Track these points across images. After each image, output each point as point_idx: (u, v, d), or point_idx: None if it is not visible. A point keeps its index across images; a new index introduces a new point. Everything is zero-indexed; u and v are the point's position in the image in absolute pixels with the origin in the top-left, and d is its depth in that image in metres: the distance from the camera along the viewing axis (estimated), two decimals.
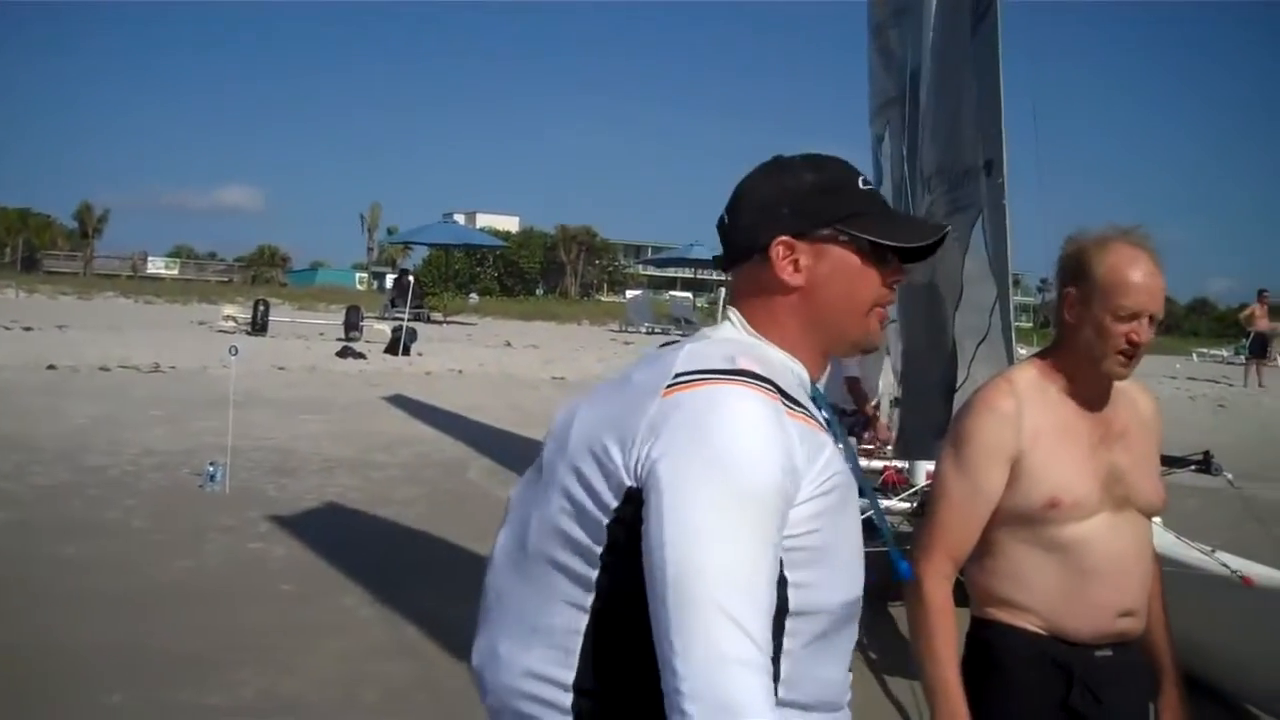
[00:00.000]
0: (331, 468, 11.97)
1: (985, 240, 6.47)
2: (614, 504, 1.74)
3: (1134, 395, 3.08)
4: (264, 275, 77.79)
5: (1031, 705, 2.90)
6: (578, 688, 1.77)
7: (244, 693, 5.83)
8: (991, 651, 2.95)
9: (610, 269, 78.49)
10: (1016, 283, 8.55)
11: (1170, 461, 5.97)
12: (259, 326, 28.16)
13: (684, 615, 1.62)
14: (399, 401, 17.19)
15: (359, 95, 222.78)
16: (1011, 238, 6.44)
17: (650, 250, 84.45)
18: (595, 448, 1.78)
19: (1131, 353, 2.88)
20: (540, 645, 1.80)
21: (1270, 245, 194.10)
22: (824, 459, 1.80)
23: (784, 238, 1.94)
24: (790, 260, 1.94)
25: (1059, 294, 2.98)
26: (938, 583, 2.83)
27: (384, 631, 6.91)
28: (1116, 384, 2.99)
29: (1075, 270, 2.91)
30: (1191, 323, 64.61)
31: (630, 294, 50.56)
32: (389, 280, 48.65)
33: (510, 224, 77.82)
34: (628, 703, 1.74)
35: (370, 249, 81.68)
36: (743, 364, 1.81)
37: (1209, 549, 6.59)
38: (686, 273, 69.00)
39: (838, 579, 1.85)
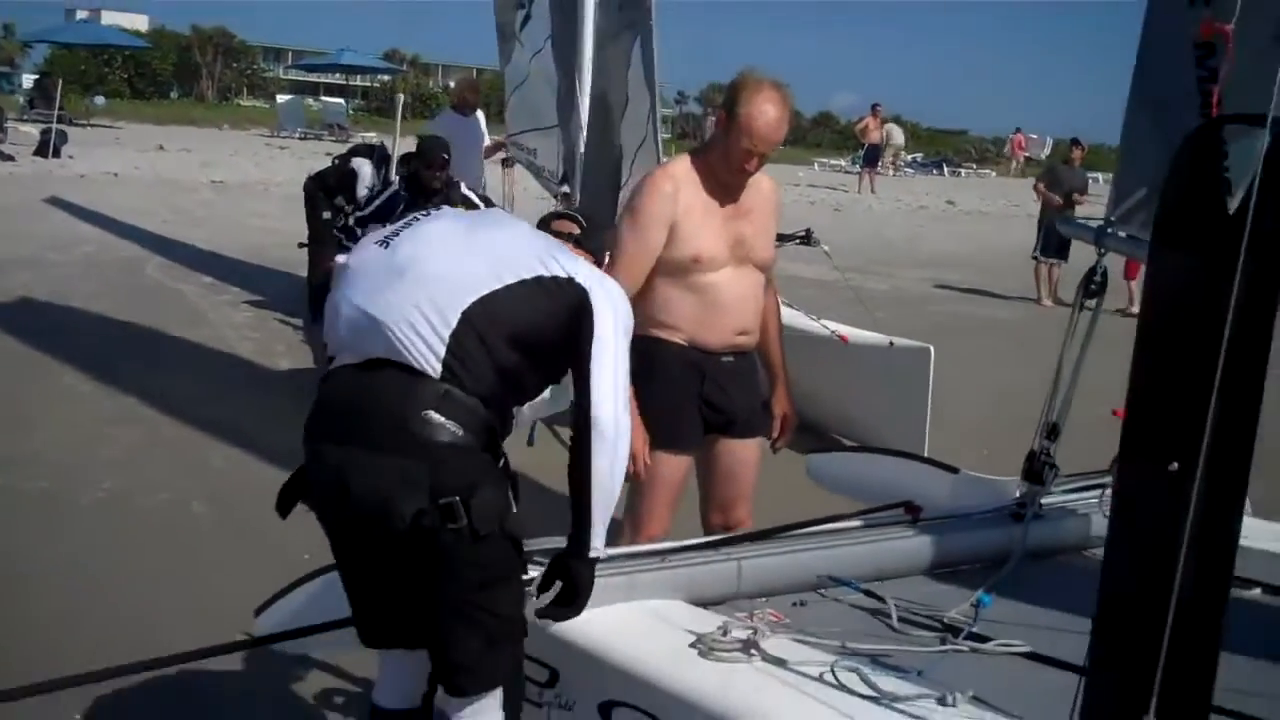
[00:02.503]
0: (6, 267, 12.11)
1: (640, 57, 7.54)
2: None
3: (759, 181, 4.28)
4: None
5: (677, 393, 4.10)
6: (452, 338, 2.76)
7: None
8: (651, 357, 4.11)
9: (249, 73, 75.61)
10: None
11: (782, 238, 7.30)
12: None
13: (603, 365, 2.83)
14: (58, 204, 17.07)
15: None
16: (659, 56, 7.55)
17: (291, 55, 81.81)
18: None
19: (745, 174, 4.09)
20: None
21: (884, 62, 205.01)
22: None
23: None
24: None
25: (719, 111, 4.09)
26: None
27: (108, 402, 7.65)
28: None
29: (729, 102, 4.03)
30: (816, 135, 68.24)
31: (281, 99, 49.28)
32: (27, 81, 45.51)
33: (139, 22, 73.63)
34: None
35: None
36: None
37: (817, 318, 8.09)
38: (330, 78, 67.50)
39: None
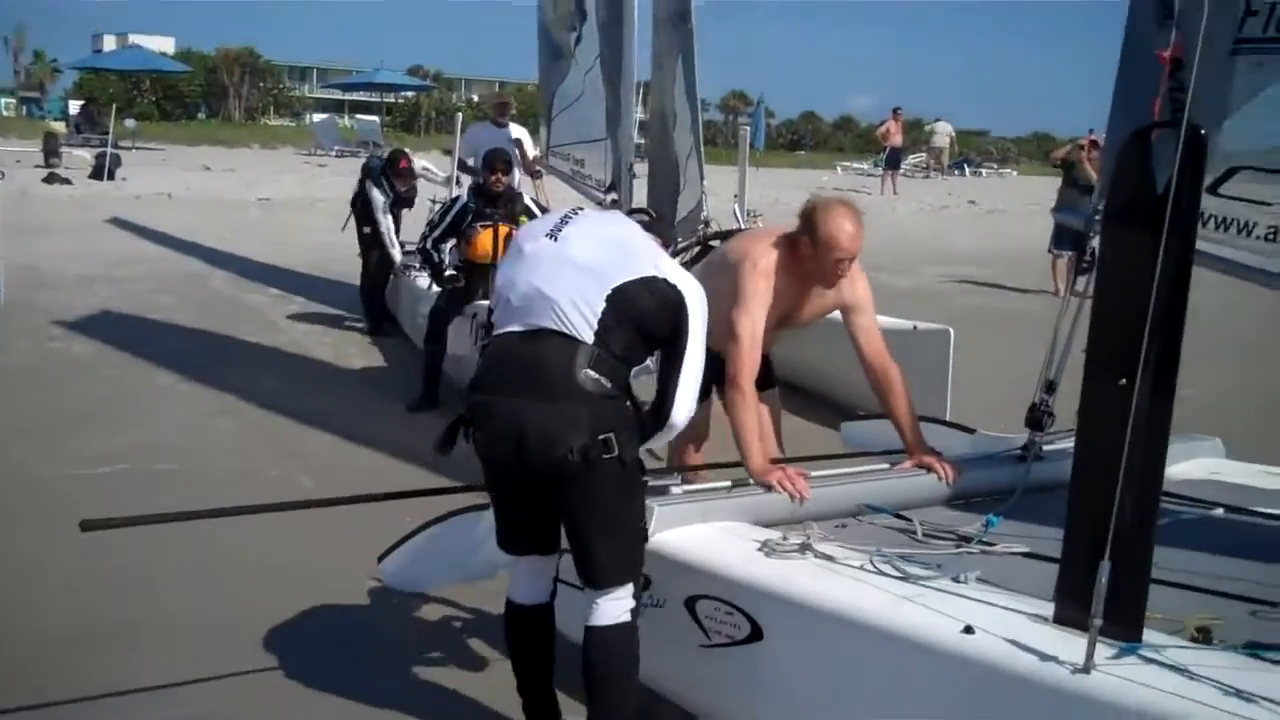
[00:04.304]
0: (86, 282, 12.99)
1: (683, 74, 8.36)
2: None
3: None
4: None
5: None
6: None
7: (122, 439, 7.37)
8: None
9: (275, 92, 76.78)
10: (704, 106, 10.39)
11: None
12: None
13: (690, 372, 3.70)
14: (119, 224, 17.95)
15: None
16: (700, 73, 8.34)
17: (316, 73, 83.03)
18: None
19: (841, 276, 4.70)
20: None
21: (903, 64, 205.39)
22: None
23: None
24: None
25: (798, 236, 4.67)
26: (752, 389, 4.53)
27: (208, 398, 8.49)
28: None
29: (808, 229, 4.63)
30: (837, 139, 69.03)
31: (317, 118, 50.51)
32: (73, 107, 46.53)
33: (166, 45, 74.77)
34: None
35: (17, 73, 76.89)
36: None
37: None
38: (355, 96, 68.49)
39: None
